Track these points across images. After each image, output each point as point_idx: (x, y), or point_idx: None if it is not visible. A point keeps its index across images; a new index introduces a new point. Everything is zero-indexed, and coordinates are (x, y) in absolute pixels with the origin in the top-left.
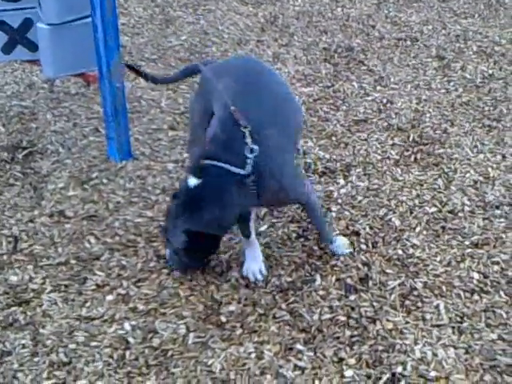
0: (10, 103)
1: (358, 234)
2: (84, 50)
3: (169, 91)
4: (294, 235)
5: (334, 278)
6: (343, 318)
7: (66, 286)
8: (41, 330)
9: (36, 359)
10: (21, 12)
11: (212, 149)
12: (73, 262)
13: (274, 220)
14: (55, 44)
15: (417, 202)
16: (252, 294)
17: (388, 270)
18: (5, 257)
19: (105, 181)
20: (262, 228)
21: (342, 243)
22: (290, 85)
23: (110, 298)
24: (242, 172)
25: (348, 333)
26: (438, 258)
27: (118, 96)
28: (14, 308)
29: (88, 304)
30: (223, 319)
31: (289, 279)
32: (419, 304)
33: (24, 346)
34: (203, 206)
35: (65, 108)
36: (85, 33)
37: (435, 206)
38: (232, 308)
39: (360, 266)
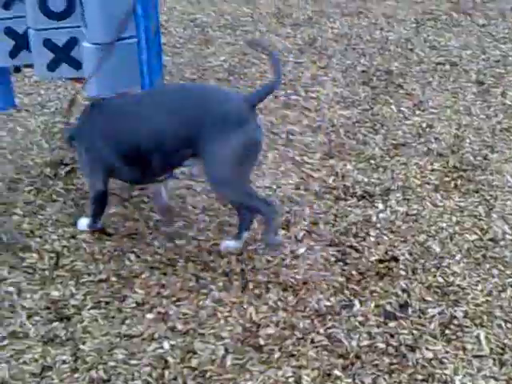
0: (54, 120)
1: (397, 259)
2: (127, 70)
3: None
4: (333, 259)
5: (373, 304)
6: (382, 345)
7: (106, 302)
8: (81, 347)
9: (76, 375)
10: (66, 30)
11: None
12: (113, 279)
13: (313, 243)
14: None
15: (457, 228)
16: (290, 318)
17: (428, 298)
18: (47, 272)
19: (145, 199)
20: (301, 250)
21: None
22: (328, 107)
23: (149, 316)
24: None
25: (387, 360)
26: (479, 287)
27: None
28: (55, 323)
29: (128, 322)
30: (261, 342)
31: (327, 303)
32: (459, 333)
33: (64, 362)
34: None
35: None
36: (128, 53)
37: (476, 233)
38: (270, 331)
39: (399, 292)
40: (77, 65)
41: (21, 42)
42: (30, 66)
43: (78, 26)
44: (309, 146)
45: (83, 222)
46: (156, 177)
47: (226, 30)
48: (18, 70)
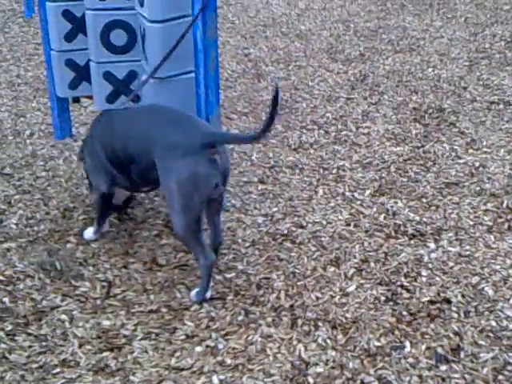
0: None
1: (449, 301)
2: (185, 104)
3: (260, 144)
4: (383, 298)
5: (424, 346)
6: None
7: (156, 334)
8: (131, 377)
9: None
10: (126, 64)
11: None
12: (164, 310)
13: (363, 281)
14: (158, 96)
15: (511, 271)
16: (340, 357)
17: (480, 342)
18: (98, 301)
19: None
20: (350, 288)
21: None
22: (379, 144)
23: (198, 349)
24: None
25: None
26: None
27: None
28: (105, 353)
29: (177, 354)
30: (310, 380)
31: (377, 344)
32: None
33: None
34: None
35: None
36: (187, 87)
37: None
38: (319, 369)
39: (451, 335)
40: (135, 98)
41: (81, 74)
42: (89, 97)
43: (138, 60)
44: (359, 182)
45: (89, 231)
46: (142, 187)
47: (278, 64)
48: (77, 100)
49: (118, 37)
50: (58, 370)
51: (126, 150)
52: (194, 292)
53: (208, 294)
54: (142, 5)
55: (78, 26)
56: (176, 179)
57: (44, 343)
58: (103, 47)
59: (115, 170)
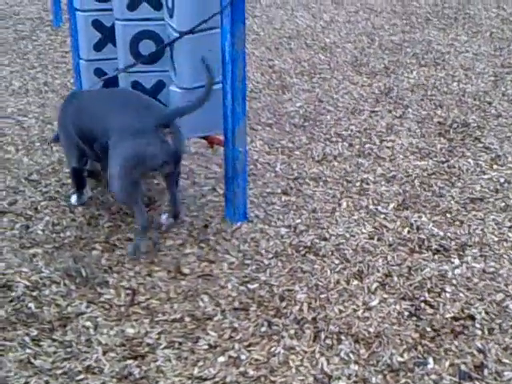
0: None
1: (473, 318)
2: (212, 114)
3: (284, 156)
4: (407, 313)
5: (447, 363)
6: None
7: (179, 343)
8: None
9: None
10: (154, 74)
11: None
12: (187, 319)
13: (386, 295)
14: None
15: None
16: (362, 371)
17: (505, 360)
18: (122, 308)
19: (220, 241)
20: (373, 303)
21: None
22: (403, 157)
23: (221, 359)
24: None
25: None
26: None
27: (240, 160)
28: (129, 361)
29: (200, 364)
30: None
31: (400, 359)
32: None
33: None
34: None
35: (185, 166)
36: (214, 98)
37: None
38: None
39: (475, 352)
40: None
41: (110, 83)
42: None
43: (166, 71)
44: (383, 195)
45: (73, 198)
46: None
47: (302, 76)
48: None
49: (147, 47)
50: (82, 376)
51: (89, 128)
52: (130, 245)
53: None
54: (171, 16)
55: (107, 36)
56: (122, 154)
57: (69, 349)
58: (132, 57)
59: (84, 145)
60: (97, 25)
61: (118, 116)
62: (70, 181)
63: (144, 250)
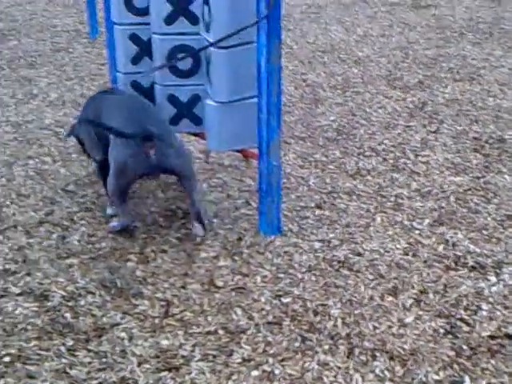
0: None
1: (510, 337)
2: (246, 128)
3: (317, 170)
4: (442, 331)
5: (484, 382)
6: None
7: (213, 356)
8: None
9: None
10: (190, 88)
11: None
12: (221, 332)
13: (421, 312)
14: (221, 120)
15: None
16: None
17: None
18: (157, 320)
19: (254, 254)
20: (408, 319)
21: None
22: (438, 173)
23: (255, 373)
24: None
25: None
26: None
27: (275, 173)
28: (163, 373)
29: (234, 377)
30: None
31: (436, 377)
32: None
33: None
34: None
35: (219, 179)
36: (249, 112)
37: None
38: None
39: None
40: (197, 121)
41: (145, 97)
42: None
43: (202, 84)
44: (418, 211)
45: (108, 210)
46: None
47: (336, 90)
48: None
49: (184, 61)
50: None
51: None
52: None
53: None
54: (207, 30)
55: (144, 49)
56: (113, 159)
57: (104, 360)
58: (168, 71)
59: (101, 142)
60: (134, 38)
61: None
62: (105, 192)
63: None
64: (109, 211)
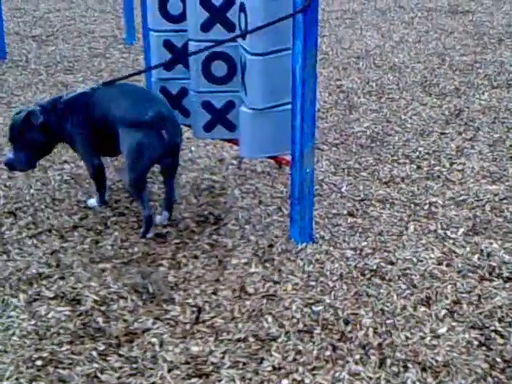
0: (202, 176)
1: None
2: (280, 135)
3: (350, 177)
4: (476, 343)
5: None
6: None
7: (244, 363)
8: None
9: None
10: (225, 94)
11: None
12: (251, 339)
13: (454, 323)
14: (255, 127)
15: None
16: None
17: None
18: (187, 326)
19: (285, 261)
20: (441, 330)
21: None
22: (474, 181)
23: (285, 382)
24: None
25: None
26: None
27: (307, 180)
28: (194, 379)
29: None
30: None
31: None
32: None
33: None
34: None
35: (251, 185)
36: (283, 119)
37: None
38: None
39: None
40: (231, 127)
41: (173, 102)
42: (187, 125)
43: (237, 91)
44: (452, 220)
45: (92, 201)
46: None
47: (370, 96)
48: None
49: (219, 68)
50: None
51: (102, 122)
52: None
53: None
54: (243, 37)
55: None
56: (128, 147)
57: (134, 365)
58: (204, 77)
59: (98, 139)
60: (168, 45)
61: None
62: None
63: (151, 235)
64: (91, 202)
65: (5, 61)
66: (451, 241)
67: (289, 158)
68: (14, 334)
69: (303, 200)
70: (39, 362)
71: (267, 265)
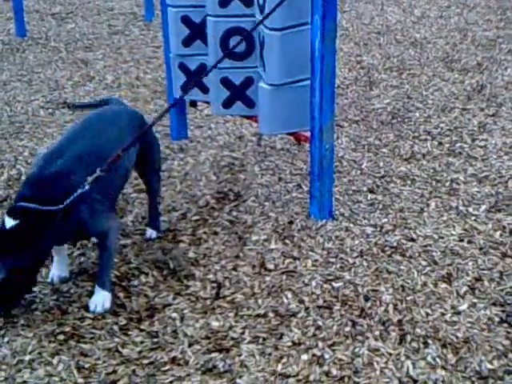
0: (222, 153)
1: None
2: (299, 111)
3: (370, 153)
4: (497, 319)
5: None
6: None
7: (263, 338)
8: (238, 380)
9: None
10: (243, 70)
11: (25, 190)
12: (271, 315)
13: (475, 300)
14: (274, 103)
15: None
16: (450, 377)
17: None
18: (208, 301)
19: (305, 237)
20: (462, 307)
21: (98, 299)
22: (496, 157)
23: (304, 357)
24: (52, 209)
25: None
26: None
27: (327, 157)
28: (214, 354)
29: (284, 360)
30: None
31: (490, 366)
32: None
33: None
34: (20, 247)
35: (271, 162)
36: (302, 95)
37: None
38: None
39: None
40: (250, 104)
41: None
42: (206, 102)
43: (255, 67)
44: (474, 196)
45: (100, 300)
46: None
47: (391, 72)
48: (194, 104)
49: (238, 45)
50: (167, 367)
51: None
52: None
53: None
54: (261, 12)
55: (195, 32)
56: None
57: (155, 340)
58: (222, 53)
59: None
60: (186, 20)
61: None
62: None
63: None
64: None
65: (25, 38)
66: (473, 217)
67: (308, 134)
68: (36, 309)
69: (323, 176)
70: (61, 337)
71: (287, 241)
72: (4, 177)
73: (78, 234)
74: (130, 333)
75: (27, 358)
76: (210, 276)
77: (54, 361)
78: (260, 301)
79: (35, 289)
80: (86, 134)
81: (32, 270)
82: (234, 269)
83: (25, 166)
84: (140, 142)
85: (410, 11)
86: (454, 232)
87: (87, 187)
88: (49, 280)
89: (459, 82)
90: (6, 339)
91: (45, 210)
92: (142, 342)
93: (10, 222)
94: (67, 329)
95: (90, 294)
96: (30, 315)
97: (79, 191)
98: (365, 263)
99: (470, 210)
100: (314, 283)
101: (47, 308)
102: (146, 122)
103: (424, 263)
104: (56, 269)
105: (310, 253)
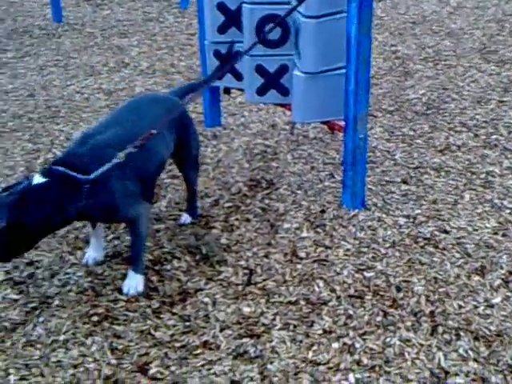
0: (255, 141)
1: None
2: (333, 100)
3: (404, 144)
4: None
5: None
6: None
7: (294, 325)
8: (268, 366)
9: None
10: (278, 58)
11: (61, 157)
12: (302, 302)
13: (509, 293)
14: (308, 92)
15: None
16: (482, 370)
17: None
18: (240, 287)
19: (337, 227)
20: (496, 300)
21: (132, 282)
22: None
23: (335, 345)
24: (80, 177)
25: None
26: None
27: (360, 147)
28: (245, 339)
29: (314, 348)
30: None
31: None
32: None
33: (252, 379)
34: (35, 205)
35: (304, 151)
36: (336, 83)
37: None
38: (459, 380)
39: None
40: (284, 91)
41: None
42: (240, 89)
43: (290, 55)
44: (509, 189)
45: (133, 283)
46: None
47: (426, 63)
48: (227, 91)
49: (273, 31)
50: (199, 351)
51: None
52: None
53: None
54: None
55: (231, 19)
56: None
57: (187, 323)
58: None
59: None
60: (221, 7)
61: None
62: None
63: None
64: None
65: (61, 24)
66: (508, 210)
67: (342, 123)
68: (71, 291)
69: (356, 166)
70: (95, 318)
71: (319, 230)
72: (40, 160)
73: (106, 213)
74: (162, 316)
75: (61, 338)
76: (242, 262)
77: (88, 341)
78: (291, 288)
79: (69, 270)
80: (125, 117)
81: (35, 233)
82: (266, 256)
83: (60, 149)
84: (178, 131)
85: (446, 1)
86: (488, 225)
87: (116, 161)
88: (83, 262)
89: (496, 74)
90: (41, 319)
91: (73, 175)
92: (174, 326)
93: (37, 179)
94: (101, 310)
95: (124, 276)
96: (64, 296)
97: (109, 165)
98: (397, 254)
99: (505, 203)
100: (345, 272)
101: (81, 289)
102: (186, 112)
103: (457, 255)
104: (91, 251)
105: (342, 242)
